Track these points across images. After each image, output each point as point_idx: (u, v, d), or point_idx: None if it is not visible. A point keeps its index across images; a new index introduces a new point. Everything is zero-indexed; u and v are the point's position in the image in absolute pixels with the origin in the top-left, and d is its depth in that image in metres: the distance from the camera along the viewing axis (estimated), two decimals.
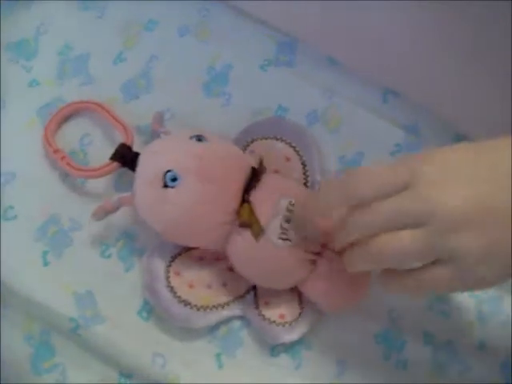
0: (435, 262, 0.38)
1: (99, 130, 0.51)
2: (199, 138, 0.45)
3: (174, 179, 0.44)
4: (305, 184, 0.49)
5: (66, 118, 0.51)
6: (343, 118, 0.52)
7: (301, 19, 0.52)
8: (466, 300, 0.50)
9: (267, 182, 0.46)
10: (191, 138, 0.45)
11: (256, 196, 0.45)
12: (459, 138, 0.52)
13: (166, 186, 0.44)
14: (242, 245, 0.45)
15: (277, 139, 0.50)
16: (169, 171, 0.44)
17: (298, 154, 0.49)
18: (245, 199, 0.45)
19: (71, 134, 0.51)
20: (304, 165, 0.49)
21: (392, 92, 0.52)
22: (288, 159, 0.49)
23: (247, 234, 0.44)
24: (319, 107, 0.52)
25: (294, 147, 0.49)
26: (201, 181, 0.44)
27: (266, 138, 0.50)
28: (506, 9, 0.46)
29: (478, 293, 0.50)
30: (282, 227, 0.44)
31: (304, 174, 0.49)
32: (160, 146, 0.46)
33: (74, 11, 0.54)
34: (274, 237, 0.44)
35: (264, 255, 0.44)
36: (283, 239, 0.44)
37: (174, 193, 0.44)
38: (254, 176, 0.45)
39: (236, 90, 0.52)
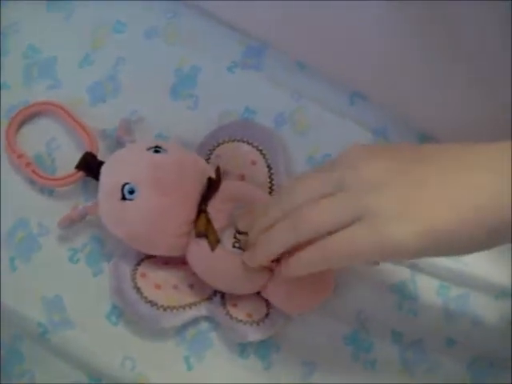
0: (351, 224, 0.40)
1: (66, 134, 0.52)
2: (157, 150, 0.48)
3: (132, 192, 0.46)
4: (270, 188, 0.51)
5: (30, 120, 0.53)
6: (311, 120, 0.54)
7: (269, 22, 0.54)
8: (434, 298, 0.53)
9: (225, 190, 0.48)
10: (149, 149, 0.48)
11: (213, 206, 0.48)
12: (425, 138, 0.54)
13: (124, 198, 0.46)
14: (199, 254, 0.47)
15: (243, 142, 0.52)
16: (126, 184, 0.47)
17: (264, 158, 0.52)
18: (202, 209, 0.47)
19: (37, 137, 0.52)
20: (270, 168, 0.51)
21: (359, 94, 0.55)
22: (254, 162, 0.51)
23: (204, 244, 0.47)
24: (287, 110, 0.54)
25: (260, 150, 0.52)
26: (157, 193, 0.46)
27: (233, 141, 0.52)
28: (471, 10, 0.49)
29: (446, 291, 0.53)
30: (235, 236, 0.46)
31: (269, 177, 0.51)
32: (119, 157, 0.49)
33: (41, 13, 0.56)
34: (228, 245, 0.47)
35: (221, 264, 0.47)
36: (237, 247, 0.47)
37: (132, 205, 0.46)
38: (212, 186, 0.48)
39: (203, 93, 0.54)
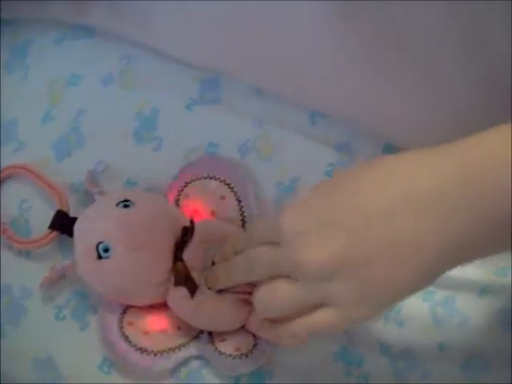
0: (317, 307, 0.44)
1: (37, 194, 0.56)
2: (126, 204, 0.51)
3: (107, 250, 0.50)
4: (242, 219, 0.54)
5: (1, 185, 0.56)
6: (275, 145, 0.57)
7: (219, 53, 0.57)
8: (420, 305, 0.56)
9: (197, 233, 0.51)
10: (118, 204, 0.51)
11: (188, 252, 0.51)
12: (389, 148, 0.57)
13: (100, 257, 0.50)
14: (179, 301, 0.51)
15: (210, 178, 0.55)
16: (100, 243, 0.50)
17: (233, 191, 0.54)
18: (177, 258, 0.50)
19: (9, 201, 0.56)
20: (239, 201, 0.54)
21: (319, 113, 0.57)
22: (223, 198, 0.54)
23: (183, 291, 0.50)
24: (250, 138, 0.57)
25: (228, 184, 0.55)
26: (131, 250, 0.50)
27: (200, 179, 0.55)
28: (430, 18, 0.51)
29: (431, 296, 0.56)
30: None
31: (240, 209, 0.54)
32: (89, 216, 0.52)
33: None
34: (205, 288, 0.50)
35: (201, 308, 0.50)
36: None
37: (107, 263, 0.50)
38: (186, 234, 0.51)
39: (165, 134, 0.57)
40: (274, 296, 0.46)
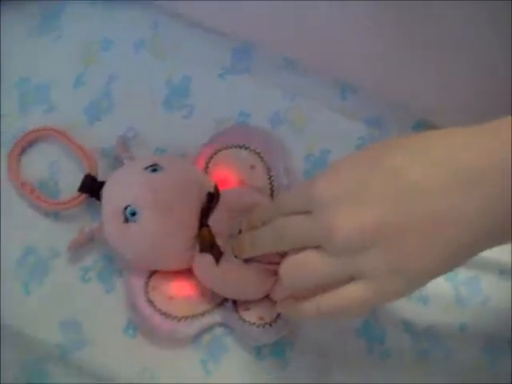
0: (347, 281, 0.42)
1: (67, 157, 0.56)
2: (154, 168, 0.51)
3: (134, 214, 0.50)
4: (271, 189, 0.55)
5: (31, 147, 0.56)
6: (306, 117, 0.58)
7: (253, 23, 0.57)
8: (443, 284, 0.56)
9: (225, 201, 0.52)
10: (146, 168, 0.51)
11: (214, 218, 0.51)
12: (420, 124, 0.57)
13: (127, 220, 0.50)
14: (205, 267, 0.51)
15: (240, 147, 0.55)
16: (128, 206, 0.50)
17: (263, 161, 0.55)
18: (203, 224, 0.51)
19: (39, 163, 0.56)
20: (269, 170, 0.55)
21: (350, 87, 0.58)
22: (253, 167, 0.55)
23: (209, 257, 0.50)
24: (281, 109, 0.58)
25: (258, 153, 0.55)
26: (158, 213, 0.50)
27: (230, 147, 0.55)
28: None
29: (455, 275, 0.56)
30: None
31: (269, 179, 0.55)
32: (118, 180, 0.52)
33: (32, 38, 0.60)
34: (231, 255, 0.50)
35: (226, 275, 0.51)
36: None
37: (134, 227, 0.50)
38: (211, 201, 0.51)
39: (197, 102, 0.58)
40: (303, 267, 0.44)
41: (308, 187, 0.44)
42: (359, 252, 0.41)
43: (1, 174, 0.56)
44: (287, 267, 0.45)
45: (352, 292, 0.42)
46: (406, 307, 0.55)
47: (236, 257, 0.51)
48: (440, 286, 0.56)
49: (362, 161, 0.43)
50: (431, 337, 0.55)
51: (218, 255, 0.51)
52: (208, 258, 0.51)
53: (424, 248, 0.40)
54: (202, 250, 0.51)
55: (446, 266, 0.42)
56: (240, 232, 0.51)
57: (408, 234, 0.40)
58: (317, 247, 0.43)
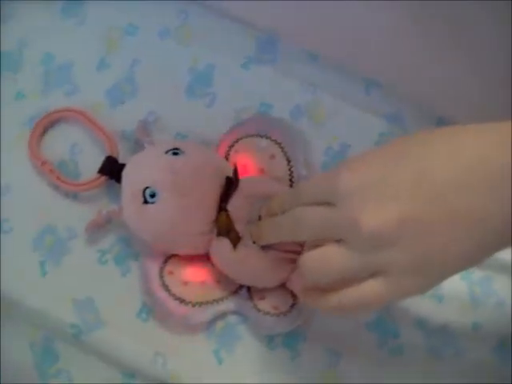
0: (368, 277, 0.42)
1: (88, 139, 0.57)
2: (175, 152, 0.52)
3: (153, 195, 0.51)
4: (290, 180, 0.55)
5: (52, 127, 0.57)
6: (327, 111, 0.58)
7: (279, 15, 0.58)
8: (458, 283, 0.57)
9: (244, 187, 0.52)
10: (167, 151, 0.52)
11: (233, 203, 0.52)
12: (442, 122, 0.58)
13: (146, 202, 0.51)
14: (222, 252, 0.52)
15: (261, 137, 0.56)
16: (147, 188, 0.51)
17: (283, 151, 0.55)
18: (222, 208, 0.51)
19: (60, 143, 0.57)
20: (289, 161, 0.55)
21: (373, 82, 0.58)
22: (273, 156, 0.55)
23: (226, 242, 0.51)
24: (302, 102, 0.58)
25: (278, 144, 0.56)
26: (177, 196, 0.51)
27: (251, 136, 0.56)
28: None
29: (470, 275, 0.57)
30: None
31: (289, 170, 0.55)
32: (138, 162, 0.53)
33: (55, 21, 0.60)
34: (249, 241, 0.51)
35: (243, 261, 0.51)
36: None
37: (153, 208, 0.51)
38: (230, 185, 0.52)
39: (219, 90, 0.58)
40: (325, 262, 0.43)
41: (332, 178, 0.43)
42: (382, 247, 0.41)
43: (22, 153, 0.56)
44: (308, 261, 0.44)
45: (373, 287, 0.42)
46: (421, 304, 0.55)
47: (254, 243, 0.51)
48: (455, 284, 0.56)
49: (388, 155, 0.43)
50: (444, 335, 0.55)
51: (235, 240, 0.51)
52: (225, 243, 0.51)
53: (447, 246, 0.41)
54: (219, 234, 0.51)
55: (467, 264, 0.42)
56: (260, 219, 0.51)
57: (432, 232, 0.40)
58: (338, 241, 0.43)
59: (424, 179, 0.41)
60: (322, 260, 0.43)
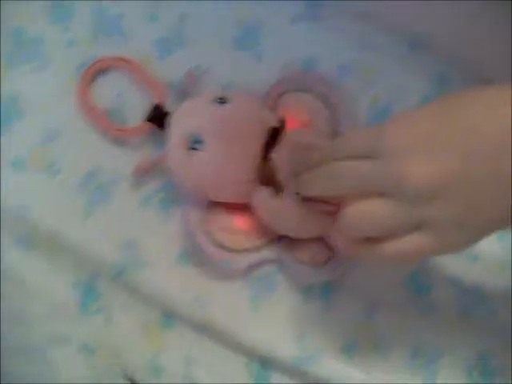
0: (411, 230, 0.43)
1: (136, 87, 0.58)
2: (222, 101, 0.53)
3: (199, 142, 0.52)
4: (334, 134, 0.56)
5: (101, 74, 0.58)
6: (372, 69, 0.59)
7: None
8: (495, 244, 0.57)
9: (289, 139, 0.53)
10: (214, 100, 0.53)
11: (277, 154, 0.52)
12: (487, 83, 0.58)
13: (192, 148, 0.52)
14: (263, 201, 0.53)
15: (306, 91, 0.57)
16: (193, 134, 0.52)
17: (327, 106, 0.56)
18: (266, 157, 0.52)
19: (108, 91, 0.58)
20: (333, 115, 0.56)
21: (420, 42, 0.59)
22: (317, 111, 0.56)
23: (268, 191, 0.52)
24: (348, 59, 0.59)
25: (323, 97, 0.57)
26: (222, 143, 0.52)
27: (297, 90, 0.57)
28: None
29: (507, 236, 0.57)
30: None
31: (333, 124, 0.56)
32: (186, 109, 0.54)
33: None
34: (291, 192, 0.52)
35: (284, 211, 0.52)
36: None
37: (199, 155, 0.52)
38: (276, 134, 0.53)
39: (267, 45, 0.59)
40: (369, 216, 0.44)
41: (378, 132, 0.44)
42: (427, 202, 0.42)
43: (72, 99, 0.58)
44: (352, 215, 0.45)
45: (417, 240, 0.43)
46: (456, 263, 0.56)
47: (296, 194, 0.52)
48: (491, 245, 0.57)
49: (436, 112, 0.43)
50: (477, 294, 0.56)
51: (277, 189, 0.52)
52: (267, 192, 0.52)
53: (492, 202, 0.42)
54: (261, 183, 0.53)
55: (508, 222, 0.43)
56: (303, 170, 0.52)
57: (478, 187, 0.41)
58: (381, 194, 0.43)
59: (472, 135, 0.41)
60: (367, 214, 0.44)
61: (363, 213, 0.44)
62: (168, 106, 0.57)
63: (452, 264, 0.57)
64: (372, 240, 0.45)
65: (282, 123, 0.53)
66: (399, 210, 0.43)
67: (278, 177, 0.52)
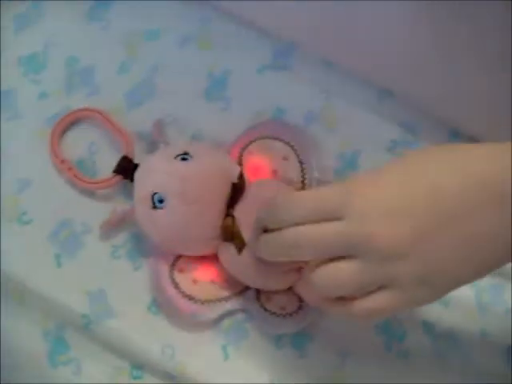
0: (378, 289, 0.44)
1: (106, 138, 0.59)
2: (184, 157, 0.54)
3: (161, 201, 0.53)
4: (302, 182, 0.57)
5: (72, 126, 0.60)
6: (340, 117, 0.60)
7: (296, 23, 0.60)
8: (466, 289, 0.57)
9: (251, 191, 0.54)
10: (176, 157, 0.54)
11: (241, 209, 0.53)
12: (455, 134, 0.60)
13: (154, 206, 0.53)
14: (228, 256, 0.53)
15: (275, 139, 0.58)
16: (156, 193, 0.53)
17: (296, 153, 0.57)
18: (228, 214, 0.53)
19: (79, 142, 0.59)
20: (301, 163, 0.57)
21: (387, 91, 0.60)
22: (286, 158, 0.57)
23: (232, 247, 0.53)
24: (316, 107, 0.60)
25: (291, 146, 0.58)
26: (185, 202, 0.52)
27: (265, 138, 0.58)
28: (503, 7, 0.54)
29: (478, 282, 0.58)
30: None
31: (301, 171, 0.57)
32: (149, 166, 0.55)
33: (80, 24, 0.63)
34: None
35: (248, 265, 0.52)
36: None
37: (161, 214, 0.53)
38: (236, 191, 0.53)
39: (235, 95, 0.60)
40: (336, 278, 0.44)
41: (344, 193, 0.44)
42: (394, 261, 0.43)
43: (43, 150, 0.59)
44: (320, 277, 0.45)
45: (384, 298, 0.44)
46: (428, 309, 0.56)
47: None
48: (463, 291, 0.56)
49: (402, 171, 0.44)
50: (451, 340, 0.56)
51: (240, 245, 0.52)
52: (231, 248, 0.53)
53: (458, 262, 0.43)
54: (225, 239, 0.53)
55: (476, 277, 0.45)
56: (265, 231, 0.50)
57: (444, 249, 0.43)
58: (346, 255, 0.44)
59: (437, 196, 0.43)
60: (334, 276, 0.45)
61: (329, 276, 0.45)
62: (137, 157, 0.58)
63: (424, 310, 0.57)
64: (340, 298, 0.46)
65: (241, 178, 0.54)
66: (365, 271, 0.44)
67: (240, 233, 0.53)
